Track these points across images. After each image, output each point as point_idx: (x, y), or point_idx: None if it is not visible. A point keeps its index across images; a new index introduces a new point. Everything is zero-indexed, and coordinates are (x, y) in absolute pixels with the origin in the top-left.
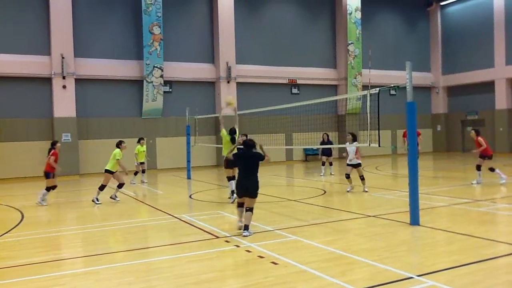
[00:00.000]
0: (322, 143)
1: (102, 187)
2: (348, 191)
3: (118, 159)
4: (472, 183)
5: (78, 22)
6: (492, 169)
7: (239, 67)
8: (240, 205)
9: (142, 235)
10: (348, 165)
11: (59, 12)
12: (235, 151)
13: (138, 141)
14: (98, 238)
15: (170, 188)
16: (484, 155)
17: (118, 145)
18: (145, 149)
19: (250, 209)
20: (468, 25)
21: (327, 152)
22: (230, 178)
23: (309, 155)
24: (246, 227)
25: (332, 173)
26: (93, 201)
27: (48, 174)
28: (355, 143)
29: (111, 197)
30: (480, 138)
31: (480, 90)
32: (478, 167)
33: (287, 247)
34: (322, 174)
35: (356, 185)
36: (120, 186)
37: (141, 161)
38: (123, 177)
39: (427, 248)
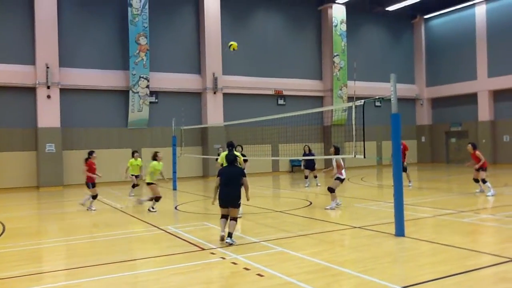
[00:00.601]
0: (304, 155)
1: (158, 198)
2: (336, 205)
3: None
4: (487, 195)
5: (64, 31)
6: (484, 181)
7: (226, 78)
8: (223, 216)
9: (126, 247)
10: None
11: (44, 21)
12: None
13: (132, 155)
14: (81, 250)
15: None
16: (481, 167)
17: (155, 157)
18: (139, 163)
19: (234, 219)
20: (451, 38)
21: (310, 165)
22: None
23: (295, 166)
24: (229, 234)
25: (319, 184)
26: (149, 210)
27: (87, 184)
28: (337, 156)
29: (149, 210)
30: (478, 152)
31: (464, 102)
32: (477, 180)
33: (273, 259)
34: (307, 185)
35: (341, 196)
36: (157, 199)
37: (134, 174)
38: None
39: (412, 259)
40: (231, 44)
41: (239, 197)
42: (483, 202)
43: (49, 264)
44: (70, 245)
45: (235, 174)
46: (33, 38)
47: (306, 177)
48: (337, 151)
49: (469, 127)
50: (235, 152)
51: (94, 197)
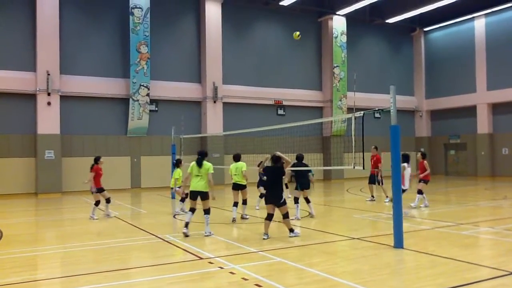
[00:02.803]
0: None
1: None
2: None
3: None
4: (411, 205)
5: (65, 38)
6: (421, 192)
7: (226, 87)
8: (268, 217)
9: (123, 255)
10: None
11: (45, 28)
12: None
13: (177, 165)
14: (77, 258)
15: (154, 207)
16: (424, 179)
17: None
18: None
19: (285, 215)
20: (450, 51)
21: (264, 182)
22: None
23: (293, 176)
24: (290, 230)
25: (257, 208)
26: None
27: (98, 189)
28: (405, 164)
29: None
30: (426, 162)
31: (463, 114)
32: (420, 191)
33: (271, 269)
34: (257, 207)
35: (341, 207)
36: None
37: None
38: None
39: (411, 271)
40: (297, 34)
41: (280, 196)
42: (482, 214)
43: (45, 271)
44: (67, 253)
45: (277, 173)
46: (34, 45)
47: (261, 196)
48: (404, 159)
49: (467, 140)
50: (240, 163)
51: (97, 203)
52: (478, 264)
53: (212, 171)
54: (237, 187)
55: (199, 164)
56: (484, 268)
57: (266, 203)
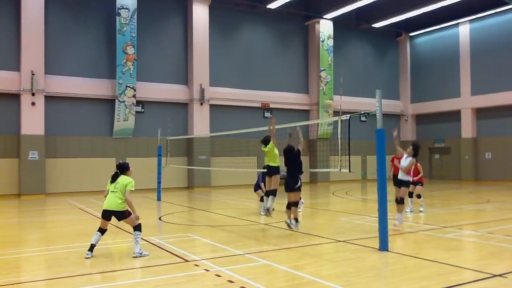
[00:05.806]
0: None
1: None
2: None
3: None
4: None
5: (50, 38)
6: (419, 196)
7: (213, 90)
8: (288, 206)
9: (108, 257)
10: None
11: (30, 28)
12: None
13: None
14: (61, 260)
15: (139, 209)
16: (419, 182)
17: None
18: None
19: (295, 204)
20: (435, 56)
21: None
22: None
23: (281, 179)
24: (296, 220)
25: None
26: (267, 209)
27: None
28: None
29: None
30: (419, 165)
31: (447, 118)
32: (411, 194)
33: (257, 272)
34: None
35: (327, 209)
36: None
37: None
38: None
39: (396, 274)
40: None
41: (296, 182)
42: (465, 218)
43: (28, 274)
44: (51, 255)
45: (296, 159)
46: (19, 45)
47: (261, 200)
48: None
49: (452, 144)
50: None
51: None
52: (461, 266)
53: (131, 188)
54: (269, 171)
55: (113, 179)
56: (467, 271)
57: (286, 190)
